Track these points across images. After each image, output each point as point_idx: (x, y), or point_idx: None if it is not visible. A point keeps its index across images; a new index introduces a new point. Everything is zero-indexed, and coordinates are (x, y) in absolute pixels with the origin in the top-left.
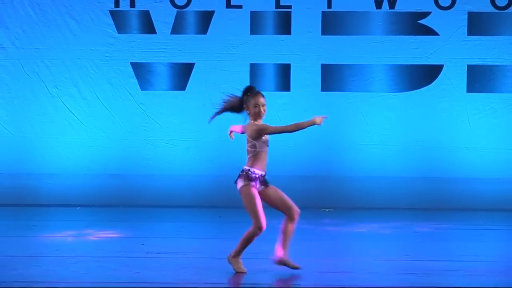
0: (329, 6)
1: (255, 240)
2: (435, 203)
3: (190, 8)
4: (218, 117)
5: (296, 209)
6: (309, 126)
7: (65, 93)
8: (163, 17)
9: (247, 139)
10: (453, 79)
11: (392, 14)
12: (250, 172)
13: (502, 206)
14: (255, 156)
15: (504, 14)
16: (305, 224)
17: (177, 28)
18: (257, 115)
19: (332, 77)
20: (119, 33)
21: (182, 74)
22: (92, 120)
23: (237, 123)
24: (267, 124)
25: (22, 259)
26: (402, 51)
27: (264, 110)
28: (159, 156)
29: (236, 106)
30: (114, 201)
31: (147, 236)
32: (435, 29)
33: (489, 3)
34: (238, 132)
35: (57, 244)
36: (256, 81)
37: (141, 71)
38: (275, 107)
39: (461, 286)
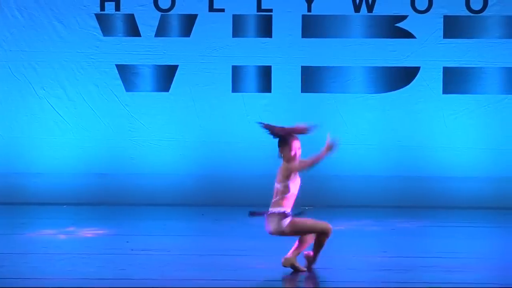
0: (309, 9)
1: (243, 237)
2: (412, 201)
3: (174, 11)
4: (203, 118)
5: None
6: (326, 155)
7: (52, 95)
8: (148, 20)
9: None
10: (429, 80)
11: (370, 18)
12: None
13: (477, 204)
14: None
15: (479, 18)
16: None
17: (161, 31)
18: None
19: (312, 79)
20: (104, 36)
21: (166, 75)
22: (78, 120)
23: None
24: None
25: (10, 256)
26: (380, 53)
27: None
28: (143, 156)
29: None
30: (100, 200)
31: (131, 233)
32: (412, 32)
33: (464, 7)
34: None
35: (44, 241)
36: (238, 83)
37: (126, 73)
38: (256, 108)
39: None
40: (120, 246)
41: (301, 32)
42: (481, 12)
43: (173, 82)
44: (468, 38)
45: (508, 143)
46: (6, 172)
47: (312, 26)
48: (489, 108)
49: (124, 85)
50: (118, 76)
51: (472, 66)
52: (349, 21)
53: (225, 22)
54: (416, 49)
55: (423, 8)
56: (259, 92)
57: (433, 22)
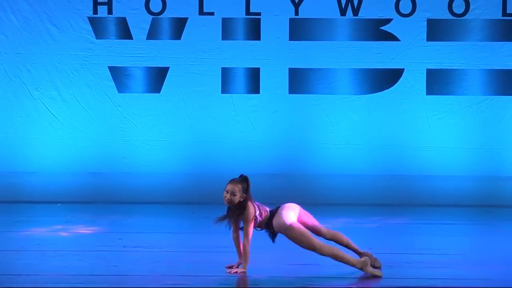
0: (296, 13)
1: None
2: (397, 199)
3: (165, 15)
4: (193, 119)
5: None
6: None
7: (46, 96)
8: (139, 23)
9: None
10: (413, 82)
11: (356, 21)
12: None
13: (459, 202)
14: None
15: (461, 21)
16: None
17: (153, 34)
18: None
19: (299, 80)
20: (97, 38)
21: (157, 77)
22: (72, 121)
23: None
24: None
25: (4, 253)
26: (365, 55)
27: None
28: (135, 155)
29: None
30: (93, 198)
31: (124, 231)
32: (396, 35)
33: (447, 10)
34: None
35: (38, 239)
36: (228, 84)
37: (118, 74)
38: (245, 109)
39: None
40: (113, 243)
41: (288, 35)
42: (463, 16)
43: (164, 84)
44: (450, 41)
45: (489, 142)
46: (1, 171)
47: (299, 29)
48: (471, 109)
49: (116, 86)
50: (110, 77)
51: (455, 68)
52: (335, 25)
53: (214, 25)
54: (400, 51)
55: (407, 12)
56: (247, 93)
57: (417, 25)
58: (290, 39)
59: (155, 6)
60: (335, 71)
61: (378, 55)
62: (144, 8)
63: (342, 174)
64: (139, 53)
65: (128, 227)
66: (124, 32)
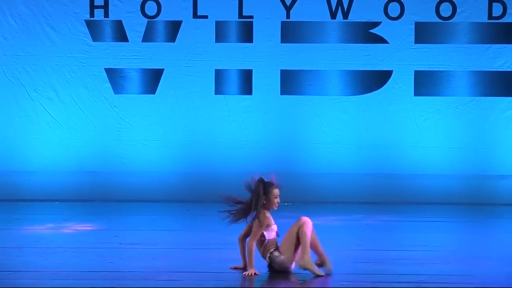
0: (288, 16)
1: (225, 232)
2: (385, 197)
3: (160, 18)
4: (187, 119)
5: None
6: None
7: (44, 97)
8: (135, 26)
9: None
10: (401, 83)
11: (346, 24)
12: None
13: (446, 200)
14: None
15: (448, 24)
16: None
17: (148, 36)
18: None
19: (290, 82)
20: (94, 41)
21: (152, 79)
22: (69, 121)
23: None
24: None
25: (4, 250)
26: (355, 57)
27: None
28: (131, 155)
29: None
30: (90, 196)
31: (120, 228)
32: (385, 37)
33: (435, 14)
34: None
35: (37, 236)
36: (221, 86)
37: (114, 76)
38: (238, 110)
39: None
40: (109, 241)
41: (280, 38)
42: (450, 19)
43: (159, 85)
44: (438, 43)
45: (475, 142)
46: (1, 171)
47: (291, 32)
48: (457, 110)
49: (112, 87)
50: (107, 79)
51: (442, 70)
52: (326, 27)
53: (208, 28)
54: (389, 53)
55: (396, 15)
56: (240, 94)
57: (405, 28)
58: (282, 41)
59: (151, 10)
60: (326, 73)
61: (367, 57)
62: (139, 11)
63: (332, 173)
64: (135, 55)
65: (124, 225)
66: (120, 34)
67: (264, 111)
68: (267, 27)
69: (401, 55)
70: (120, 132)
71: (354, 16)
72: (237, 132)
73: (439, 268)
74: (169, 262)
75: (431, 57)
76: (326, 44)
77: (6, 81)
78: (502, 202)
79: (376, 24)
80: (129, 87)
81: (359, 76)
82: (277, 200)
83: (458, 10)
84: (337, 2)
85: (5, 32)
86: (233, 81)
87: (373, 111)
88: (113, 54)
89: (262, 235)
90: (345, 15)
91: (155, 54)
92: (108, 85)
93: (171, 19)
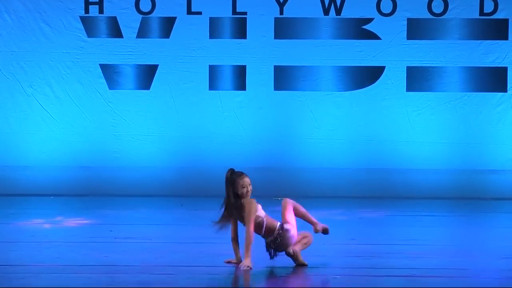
0: (281, 12)
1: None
2: (378, 192)
3: (154, 14)
4: (181, 114)
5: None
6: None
7: (39, 92)
8: (129, 22)
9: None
10: (394, 79)
11: (339, 20)
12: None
13: (438, 194)
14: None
15: (440, 20)
16: None
17: (142, 32)
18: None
19: (284, 78)
20: (88, 37)
21: (146, 74)
22: (64, 117)
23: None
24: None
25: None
26: (348, 53)
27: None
28: (126, 150)
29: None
30: (85, 191)
31: (115, 223)
32: (377, 33)
33: (427, 10)
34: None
35: (32, 230)
36: (215, 81)
37: (109, 72)
38: (232, 105)
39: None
40: (104, 235)
41: (273, 34)
42: (442, 15)
43: (153, 81)
44: (430, 39)
45: (467, 137)
46: None
47: (284, 28)
48: (449, 105)
49: (107, 83)
50: (101, 75)
51: (434, 66)
52: (319, 24)
53: (202, 24)
54: (381, 49)
55: (388, 11)
56: (234, 90)
57: (397, 24)
58: (275, 37)
59: (145, 6)
60: (319, 69)
61: (360, 53)
62: (134, 7)
63: (325, 167)
64: (130, 51)
65: (119, 219)
66: (115, 30)
67: (257, 107)
68: (260, 23)
69: (394, 51)
70: (114, 127)
71: (347, 12)
72: (231, 127)
73: (431, 262)
74: (163, 256)
75: (423, 53)
76: (319, 40)
77: (2, 76)
78: (493, 196)
79: (369, 20)
80: (123, 82)
81: (352, 72)
82: (245, 189)
83: (450, 7)
84: None
85: (0, 28)
86: (227, 77)
87: (365, 107)
88: (108, 50)
89: (258, 217)
90: (338, 11)
91: (150, 50)
92: (103, 80)
93: (166, 15)
